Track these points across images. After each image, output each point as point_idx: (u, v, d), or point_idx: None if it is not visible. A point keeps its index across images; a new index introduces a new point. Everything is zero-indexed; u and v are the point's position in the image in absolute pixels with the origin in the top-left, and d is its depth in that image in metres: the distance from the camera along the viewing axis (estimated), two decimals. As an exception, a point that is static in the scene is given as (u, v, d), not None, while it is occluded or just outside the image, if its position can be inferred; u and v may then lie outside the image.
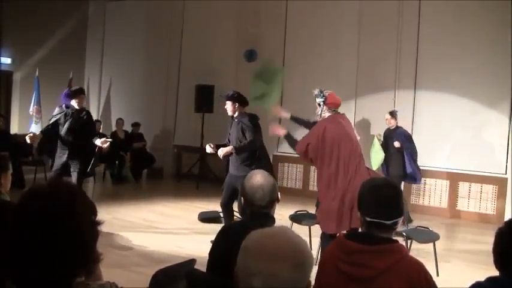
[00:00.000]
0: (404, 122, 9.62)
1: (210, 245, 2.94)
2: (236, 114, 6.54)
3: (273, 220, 2.87)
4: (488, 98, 8.95)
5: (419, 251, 6.02)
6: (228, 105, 6.58)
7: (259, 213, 2.85)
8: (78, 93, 6.97)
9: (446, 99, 9.27)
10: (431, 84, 9.46)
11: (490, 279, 2.15)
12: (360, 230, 2.49)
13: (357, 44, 10.26)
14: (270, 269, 1.47)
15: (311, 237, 6.17)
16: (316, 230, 6.24)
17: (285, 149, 11.13)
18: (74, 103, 6.89)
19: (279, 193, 2.95)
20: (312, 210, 6.67)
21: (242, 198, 2.93)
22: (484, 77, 8.94)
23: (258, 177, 2.90)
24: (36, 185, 1.51)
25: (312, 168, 10.70)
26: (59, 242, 1.37)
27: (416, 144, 8.36)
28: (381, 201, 2.36)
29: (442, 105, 9.30)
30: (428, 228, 5.96)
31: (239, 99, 6.56)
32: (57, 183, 1.49)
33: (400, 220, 2.40)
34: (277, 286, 1.47)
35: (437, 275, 5.41)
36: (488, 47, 8.92)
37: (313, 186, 10.68)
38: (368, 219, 2.35)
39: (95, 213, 1.51)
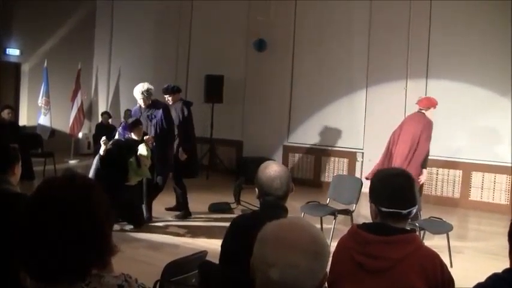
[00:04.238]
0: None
1: (221, 237, 2.91)
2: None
3: (286, 211, 2.83)
4: (502, 88, 8.82)
5: (432, 242, 5.96)
6: (168, 98, 7.51)
7: (272, 204, 2.80)
8: (136, 125, 6.97)
9: (459, 89, 9.16)
10: (443, 74, 9.35)
11: (509, 271, 2.09)
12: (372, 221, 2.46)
13: (367, 32, 10.16)
14: (288, 260, 1.46)
15: (323, 228, 6.13)
16: (328, 220, 6.22)
17: (296, 139, 11.11)
18: (133, 136, 6.91)
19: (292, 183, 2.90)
20: (323, 201, 6.62)
21: (257, 189, 2.87)
22: (497, 66, 8.82)
23: (275, 167, 2.85)
24: (52, 176, 1.51)
25: (323, 158, 10.69)
26: (76, 232, 1.37)
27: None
28: (396, 190, 2.34)
29: (455, 95, 9.18)
30: (441, 219, 5.90)
31: (173, 90, 7.53)
32: (73, 175, 1.50)
33: (415, 209, 2.38)
34: (295, 276, 1.46)
35: (451, 265, 5.35)
36: (502, 36, 8.79)
37: (324, 176, 10.63)
38: (384, 209, 2.33)
39: (109, 204, 1.51)
